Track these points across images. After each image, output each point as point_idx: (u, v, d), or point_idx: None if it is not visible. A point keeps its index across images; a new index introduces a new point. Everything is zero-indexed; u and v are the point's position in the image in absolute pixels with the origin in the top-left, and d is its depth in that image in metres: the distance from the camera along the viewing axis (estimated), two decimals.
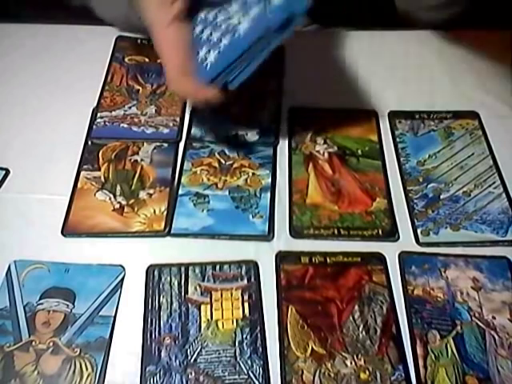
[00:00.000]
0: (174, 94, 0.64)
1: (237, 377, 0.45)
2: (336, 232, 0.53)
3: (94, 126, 0.61)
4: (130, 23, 0.66)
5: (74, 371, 0.45)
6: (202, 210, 0.54)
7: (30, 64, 0.68)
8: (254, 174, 0.57)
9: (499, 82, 0.65)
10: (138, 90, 0.65)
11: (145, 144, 0.60)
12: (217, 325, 0.47)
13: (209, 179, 0.57)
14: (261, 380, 0.45)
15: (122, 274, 0.50)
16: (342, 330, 0.47)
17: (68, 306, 0.48)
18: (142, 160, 0.58)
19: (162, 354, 0.46)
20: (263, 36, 0.47)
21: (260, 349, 0.46)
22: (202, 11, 0.53)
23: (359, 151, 0.59)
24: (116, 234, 0.53)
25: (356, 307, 0.48)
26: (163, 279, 0.50)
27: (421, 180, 0.57)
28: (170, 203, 0.55)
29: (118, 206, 0.55)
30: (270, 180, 0.57)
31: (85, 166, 0.58)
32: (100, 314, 0.48)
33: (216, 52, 0.50)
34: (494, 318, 0.48)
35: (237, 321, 0.48)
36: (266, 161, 0.58)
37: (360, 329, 0.47)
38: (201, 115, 0.62)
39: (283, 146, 0.60)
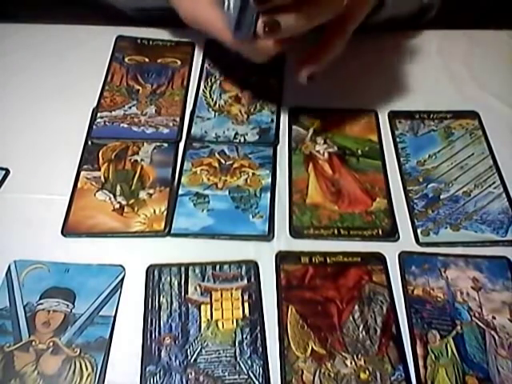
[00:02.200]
0: (174, 93, 0.64)
1: (237, 377, 0.45)
2: (336, 232, 0.53)
3: (94, 126, 0.61)
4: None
5: (74, 371, 0.45)
6: (202, 210, 0.54)
7: (30, 64, 0.67)
8: (253, 174, 0.57)
9: (499, 82, 0.65)
10: (138, 90, 0.65)
11: (145, 144, 0.60)
12: (217, 325, 0.47)
13: (209, 179, 0.57)
14: (261, 380, 0.45)
15: (122, 274, 0.50)
16: (342, 330, 0.47)
17: (68, 305, 0.48)
18: (142, 160, 0.58)
19: (162, 354, 0.46)
20: None
21: (260, 349, 0.46)
22: None
23: (359, 151, 0.59)
24: (116, 233, 0.53)
25: (356, 307, 0.48)
26: (163, 279, 0.50)
27: (421, 180, 0.57)
28: (170, 203, 0.55)
29: (117, 206, 0.55)
30: (269, 180, 0.57)
31: (85, 166, 0.58)
32: (100, 313, 0.48)
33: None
34: (494, 317, 0.48)
35: (237, 321, 0.48)
36: (266, 161, 0.58)
37: (360, 329, 0.47)
38: None
39: (283, 145, 0.60)
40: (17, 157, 0.59)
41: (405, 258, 0.51)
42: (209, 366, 0.45)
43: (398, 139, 0.60)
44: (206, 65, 0.67)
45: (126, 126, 0.61)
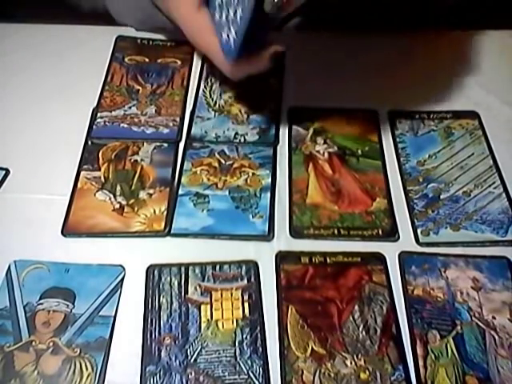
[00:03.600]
0: (174, 93, 0.64)
1: (237, 377, 0.45)
2: (336, 232, 0.53)
3: (94, 126, 0.61)
4: (150, 19, 0.66)
5: (74, 371, 0.45)
6: (202, 210, 0.54)
7: (30, 64, 0.68)
8: (254, 174, 0.57)
9: (499, 82, 0.65)
10: (138, 90, 0.65)
11: (145, 144, 0.60)
12: (217, 325, 0.47)
13: (209, 179, 0.57)
14: (261, 380, 0.45)
15: (122, 274, 0.50)
16: (342, 330, 0.47)
17: (68, 306, 0.48)
18: (142, 160, 0.58)
19: (162, 354, 0.46)
20: None
21: (260, 349, 0.46)
22: None
23: (359, 151, 0.59)
24: (116, 233, 0.53)
25: (356, 307, 0.48)
26: (163, 279, 0.50)
27: (421, 180, 0.57)
28: (170, 203, 0.55)
29: (117, 206, 0.55)
30: (269, 180, 0.57)
31: (85, 166, 0.58)
32: (100, 313, 0.48)
33: (235, 25, 0.48)
34: (494, 317, 0.48)
35: (237, 321, 0.48)
36: (266, 161, 0.58)
37: (360, 329, 0.47)
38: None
39: (283, 145, 0.60)
40: (17, 157, 0.59)
41: (405, 258, 0.51)
42: (209, 366, 0.45)
43: (398, 139, 0.60)
44: (205, 65, 0.67)
45: (125, 125, 0.61)
